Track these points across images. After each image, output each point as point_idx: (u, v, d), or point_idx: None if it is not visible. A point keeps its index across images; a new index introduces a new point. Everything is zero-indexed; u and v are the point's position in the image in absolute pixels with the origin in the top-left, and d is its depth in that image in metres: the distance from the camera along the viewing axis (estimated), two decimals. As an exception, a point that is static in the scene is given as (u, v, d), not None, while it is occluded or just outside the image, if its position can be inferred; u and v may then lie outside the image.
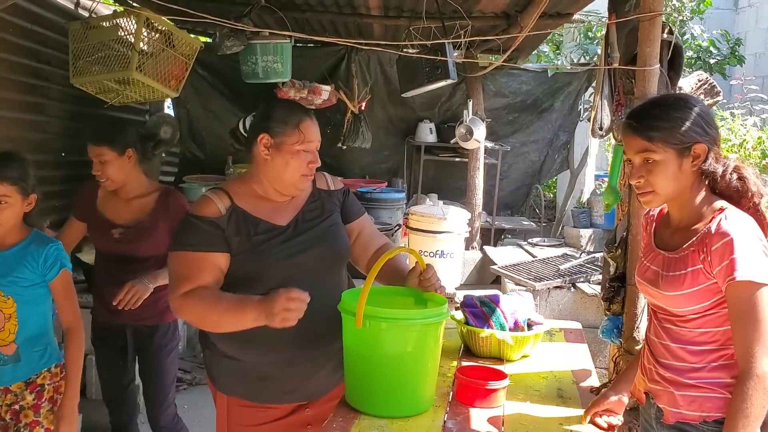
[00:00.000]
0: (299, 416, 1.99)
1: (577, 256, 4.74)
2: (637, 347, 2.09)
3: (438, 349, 1.79)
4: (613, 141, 2.38)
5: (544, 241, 5.47)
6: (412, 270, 1.92)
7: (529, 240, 5.54)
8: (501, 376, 1.88)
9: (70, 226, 2.76)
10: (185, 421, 3.23)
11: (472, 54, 5.08)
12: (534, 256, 4.94)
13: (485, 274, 5.20)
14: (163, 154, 5.50)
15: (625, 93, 2.18)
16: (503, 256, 5.05)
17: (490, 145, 5.78)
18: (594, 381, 2.04)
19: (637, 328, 2.10)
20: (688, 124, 1.58)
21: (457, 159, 5.89)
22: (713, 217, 1.55)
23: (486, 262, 5.18)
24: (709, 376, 1.60)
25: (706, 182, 1.62)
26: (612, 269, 2.23)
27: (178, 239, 1.90)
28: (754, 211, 1.60)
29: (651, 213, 1.80)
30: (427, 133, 5.91)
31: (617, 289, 2.18)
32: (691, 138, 1.58)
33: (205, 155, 6.06)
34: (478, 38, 3.45)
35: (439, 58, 3.40)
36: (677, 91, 2.31)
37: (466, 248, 5.29)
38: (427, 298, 1.88)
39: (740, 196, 1.61)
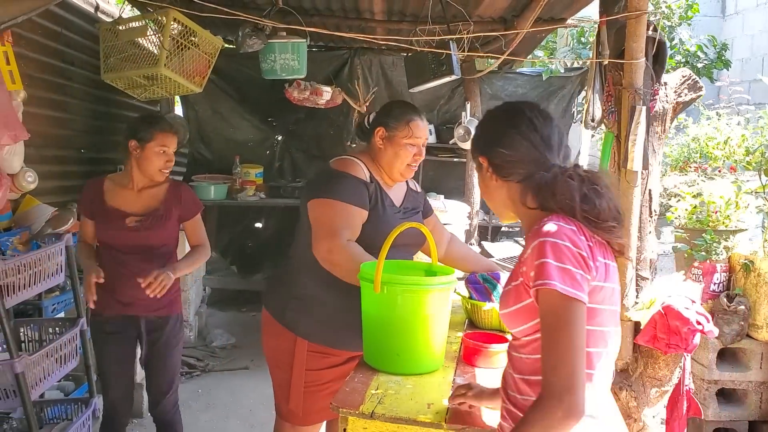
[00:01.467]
0: (350, 364, 2.25)
1: (570, 248, 4.91)
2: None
3: (447, 313, 1.96)
4: (604, 130, 2.59)
5: (540, 237, 5.62)
6: None
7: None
8: (503, 340, 2.05)
9: (85, 224, 2.75)
10: (199, 404, 3.45)
11: (475, 53, 5.26)
12: (529, 250, 5.12)
13: (483, 268, 5.36)
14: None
15: (614, 84, 2.39)
16: (500, 249, 5.23)
17: (487, 145, 5.93)
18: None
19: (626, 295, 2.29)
20: (476, 137, 1.58)
21: (455, 159, 6.02)
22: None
23: (484, 255, 5.35)
24: None
25: (537, 194, 1.41)
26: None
27: (338, 191, 2.14)
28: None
29: None
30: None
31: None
32: (475, 151, 1.56)
33: (213, 155, 6.17)
34: (478, 34, 3.68)
35: (445, 51, 3.63)
36: (661, 85, 2.52)
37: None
38: (436, 270, 2.08)
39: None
